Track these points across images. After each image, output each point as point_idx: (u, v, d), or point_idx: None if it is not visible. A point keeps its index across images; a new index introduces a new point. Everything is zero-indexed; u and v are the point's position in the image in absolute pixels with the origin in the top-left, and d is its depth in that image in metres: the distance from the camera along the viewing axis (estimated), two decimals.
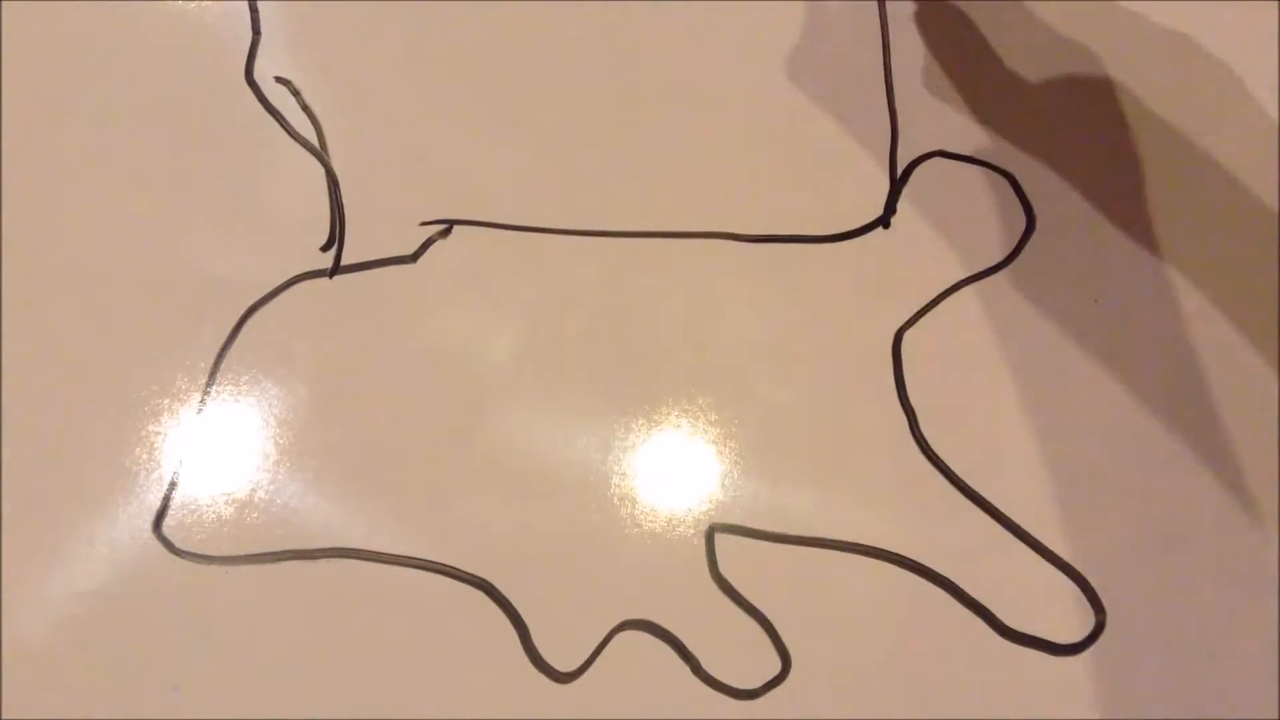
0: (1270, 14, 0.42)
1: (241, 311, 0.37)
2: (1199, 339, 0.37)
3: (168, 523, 0.34)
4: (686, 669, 0.32)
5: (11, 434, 0.35)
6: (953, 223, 0.39)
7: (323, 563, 0.33)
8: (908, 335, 0.37)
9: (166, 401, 0.36)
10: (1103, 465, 0.35)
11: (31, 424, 0.35)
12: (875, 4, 0.42)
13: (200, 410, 0.35)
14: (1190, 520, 0.34)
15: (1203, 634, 0.32)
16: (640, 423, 0.35)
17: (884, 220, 0.39)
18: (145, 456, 0.35)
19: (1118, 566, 0.33)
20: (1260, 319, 0.37)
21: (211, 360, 0.36)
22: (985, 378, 0.36)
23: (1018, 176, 0.39)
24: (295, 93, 0.41)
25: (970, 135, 0.40)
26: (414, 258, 0.38)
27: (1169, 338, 0.37)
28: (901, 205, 0.39)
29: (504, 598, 0.33)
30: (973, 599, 0.33)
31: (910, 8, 0.42)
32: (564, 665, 0.32)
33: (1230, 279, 0.38)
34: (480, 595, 0.33)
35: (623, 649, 0.32)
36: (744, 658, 0.32)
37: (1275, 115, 0.40)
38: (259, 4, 0.43)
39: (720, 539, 0.34)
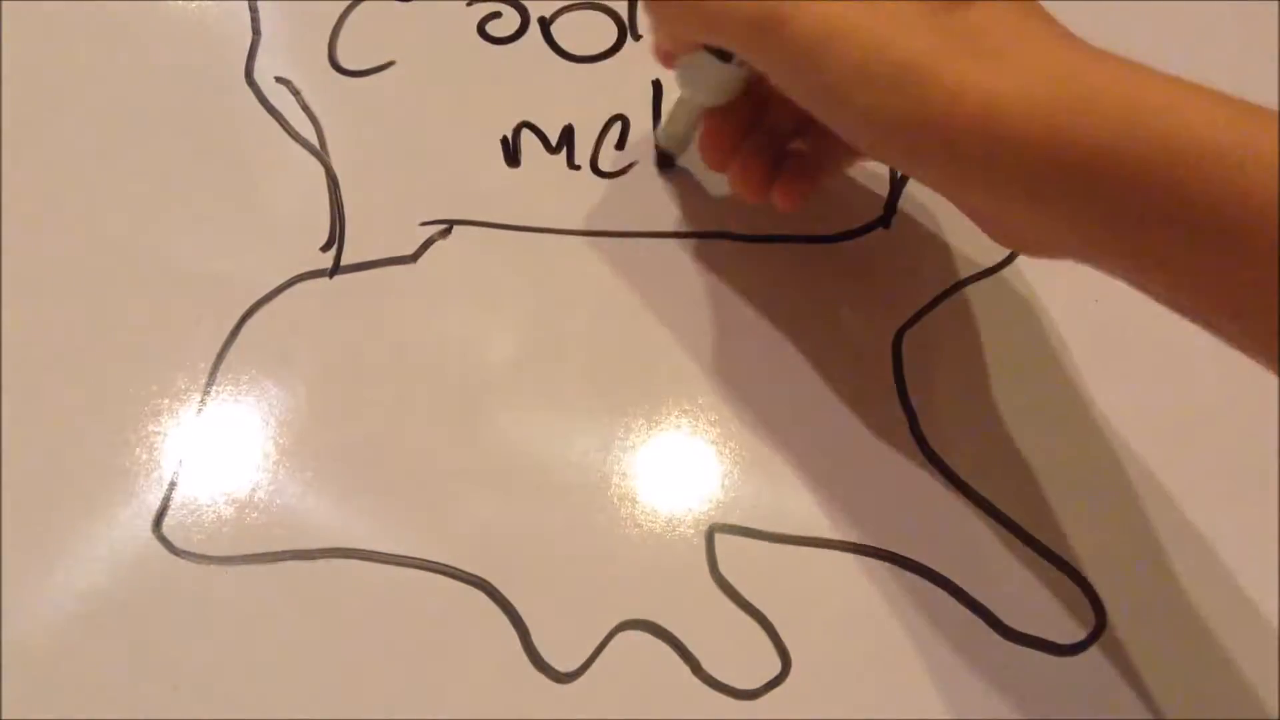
0: (1270, 14, 0.42)
1: (241, 311, 0.37)
2: (1199, 339, 0.37)
3: (168, 523, 0.34)
4: (687, 669, 0.32)
5: (11, 434, 0.35)
6: (953, 223, 0.39)
7: (322, 563, 0.33)
8: (908, 335, 0.37)
9: (166, 401, 0.36)
10: (1102, 465, 0.35)
11: (31, 424, 0.35)
12: None
13: (200, 410, 0.35)
14: (1190, 520, 0.34)
15: (1203, 634, 0.32)
16: (640, 423, 0.35)
17: (884, 220, 0.39)
18: (145, 456, 0.35)
19: (1118, 566, 0.33)
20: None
21: (211, 360, 0.36)
22: (985, 378, 0.36)
23: None
24: (295, 93, 0.41)
25: None
26: (414, 258, 0.38)
27: (1169, 338, 0.37)
28: (901, 205, 0.39)
29: (504, 598, 0.33)
30: (973, 599, 0.33)
31: None
32: (564, 665, 0.32)
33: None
34: (480, 595, 0.33)
35: (623, 649, 0.32)
36: (744, 658, 0.32)
37: None
38: (259, 4, 0.43)
39: (720, 539, 0.34)
